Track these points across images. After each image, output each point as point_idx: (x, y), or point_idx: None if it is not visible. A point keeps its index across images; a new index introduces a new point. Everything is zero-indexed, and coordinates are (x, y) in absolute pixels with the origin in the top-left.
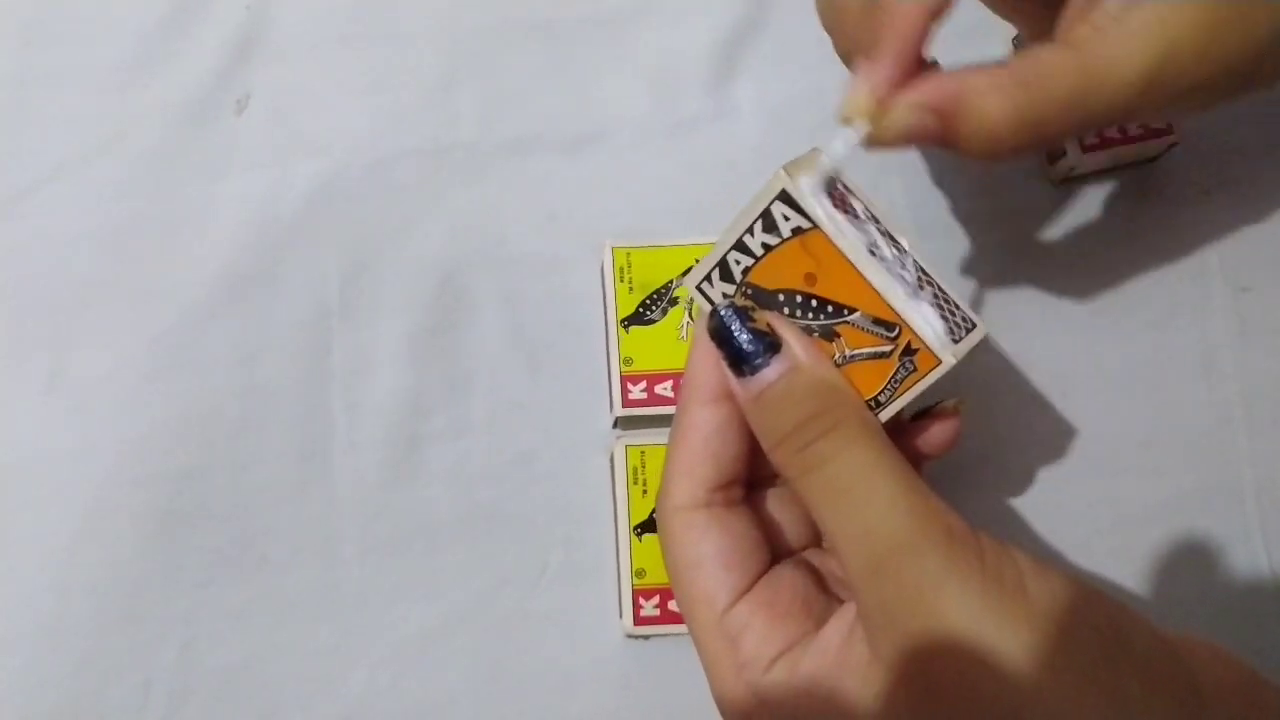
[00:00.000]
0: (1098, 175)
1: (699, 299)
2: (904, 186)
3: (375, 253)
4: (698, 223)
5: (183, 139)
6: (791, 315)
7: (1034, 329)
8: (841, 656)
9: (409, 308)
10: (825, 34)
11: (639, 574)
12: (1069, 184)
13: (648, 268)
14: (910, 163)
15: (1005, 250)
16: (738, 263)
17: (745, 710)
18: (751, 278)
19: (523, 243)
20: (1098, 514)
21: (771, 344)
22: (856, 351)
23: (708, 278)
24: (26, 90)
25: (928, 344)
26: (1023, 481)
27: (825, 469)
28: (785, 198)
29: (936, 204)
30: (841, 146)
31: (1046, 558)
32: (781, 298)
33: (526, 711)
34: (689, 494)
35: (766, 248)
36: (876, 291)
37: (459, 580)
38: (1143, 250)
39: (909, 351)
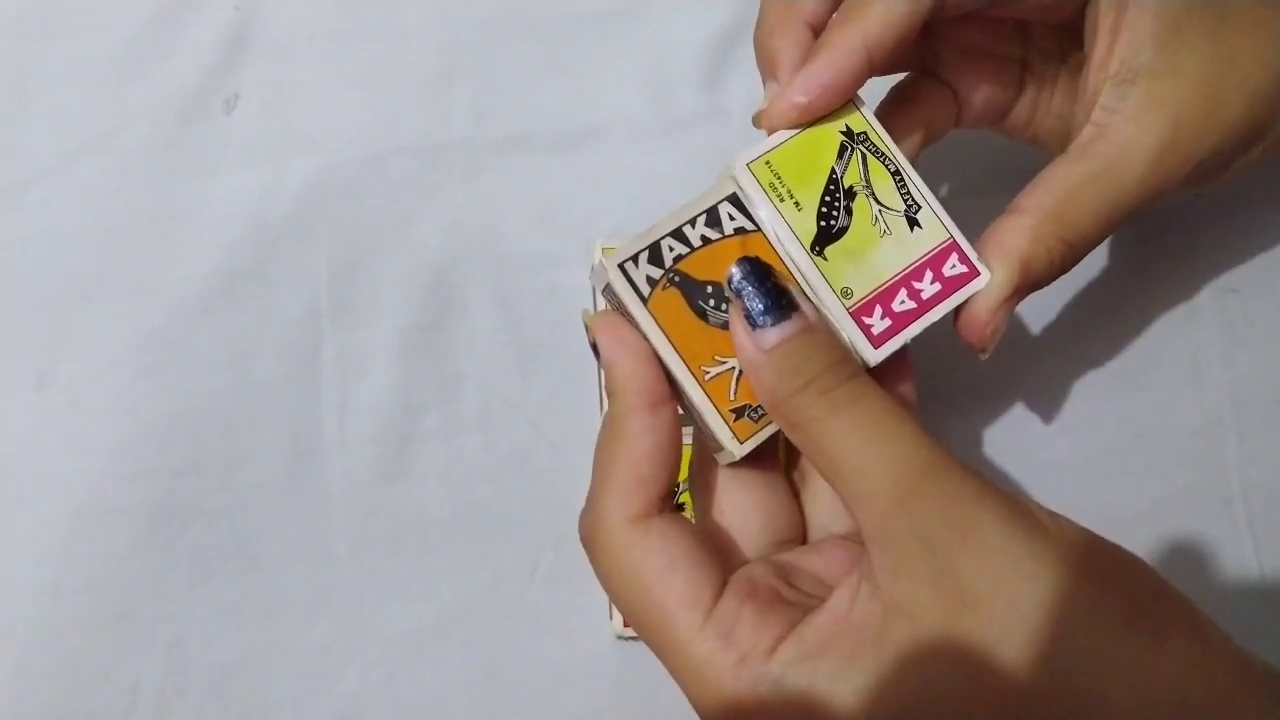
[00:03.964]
0: None
1: (617, 279)
2: None
3: (368, 250)
4: None
5: (175, 136)
6: (717, 308)
7: (1022, 332)
8: (856, 618)
9: (401, 305)
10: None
11: None
12: None
13: None
14: None
15: None
16: (670, 249)
17: (750, 714)
18: (681, 265)
19: (516, 241)
20: (1087, 515)
21: (791, 303)
22: None
23: (634, 258)
24: (17, 86)
25: (855, 347)
26: (1012, 483)
27: (859, 404)
28: (734, 200)
29: None
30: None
31: None
32: (709, 289)
33: (518, 711)
34: (641, 504)
35: (705, 240)
36: (810, 295)
37: (451, 580)
38: (1130, 252)
39: None
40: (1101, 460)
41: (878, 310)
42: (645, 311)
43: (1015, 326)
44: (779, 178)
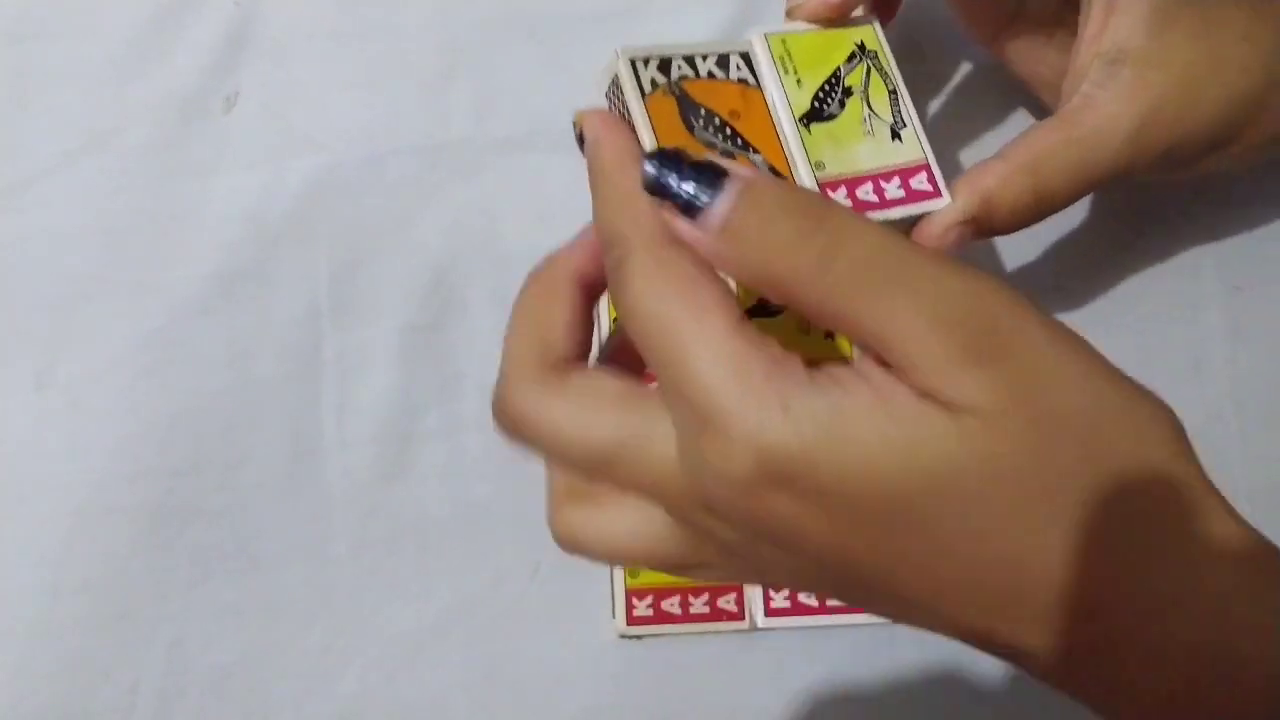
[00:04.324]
0: None
1: (625, 71)
2: None
3: (368, 250)
4: None
5: (175, 136)
6: (704, 129)
7: None
8: (902, 391)
9: (401, 305)
10: None
11: (632, 574)
12: None
13: None
14: None
15: (997, 250)
16: (679, 68)
17: (776, 423)
18: (684, 84)
19: (516, 240)
20: None
21: (716, 172)
22: None
23: (645, 60)
24: (17, 86)
25: None
26: None
27: (860, 274)
28: (745, 57)
29: None
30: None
31: None
32: (703, 112)
33: (519, 710)
34: (661, 228)
35: (711, 75)
36: (784, 154)
37: (451, 579)
38: (1135, 249)
39: None
40: None
41: (842, 190)
42: (641, 104)
43: None
44: (789, 55)
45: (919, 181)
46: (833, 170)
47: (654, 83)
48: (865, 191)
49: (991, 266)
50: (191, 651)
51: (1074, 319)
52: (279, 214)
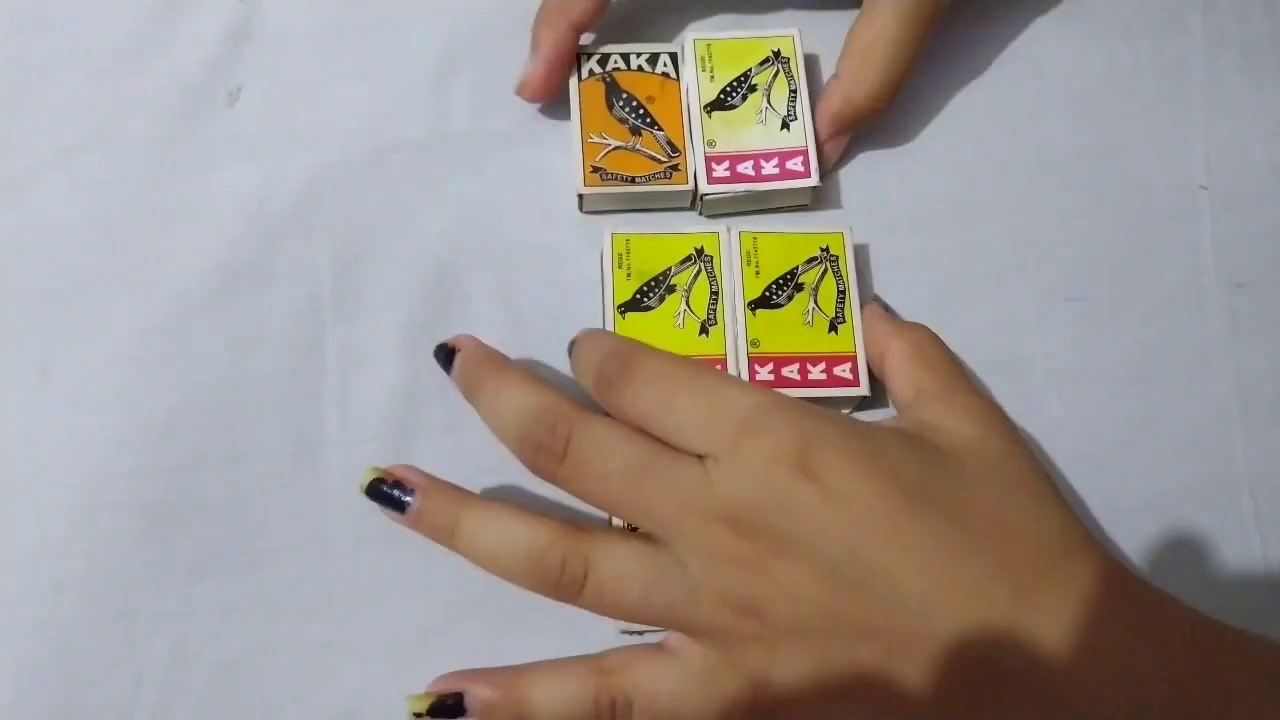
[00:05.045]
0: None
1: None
2: (899, 180)
3: (369, 244)
4: (694, 214)
5: (176, 129)
6: (622, 109)
7: (1030, 325)
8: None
9: (403, 300)
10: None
11: None
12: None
13: (646, 255)
14: (907, 155)
15: (1001, 246)
16: (614, 62)
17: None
18: (615, 74)
19: (518, 235)
20: (1093, 509)
21: None
22: (646, 149)
23: (589, 55)
24: (17, 79)
25: (696, 174)
26: None
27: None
28: (673, 56)
29: (933, 198)
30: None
31: None
32: (625, 94)
33: None
34: None
35: (640, 69)
36: (685, 133)
37: (453, 575)
38: (1139, 246)
39: (674, 167)
40: (1108, 453)
41: (726, 163)
42: (576, 87)
43: (1021, 321)
44: (710, 56)
45: (794, 164)
46: (722, 147)
47: (591, 72)
48: (746, 167)
49: (994, 263)
50: (193, 647)
51: (1079, 318)
52: (280, 208)
